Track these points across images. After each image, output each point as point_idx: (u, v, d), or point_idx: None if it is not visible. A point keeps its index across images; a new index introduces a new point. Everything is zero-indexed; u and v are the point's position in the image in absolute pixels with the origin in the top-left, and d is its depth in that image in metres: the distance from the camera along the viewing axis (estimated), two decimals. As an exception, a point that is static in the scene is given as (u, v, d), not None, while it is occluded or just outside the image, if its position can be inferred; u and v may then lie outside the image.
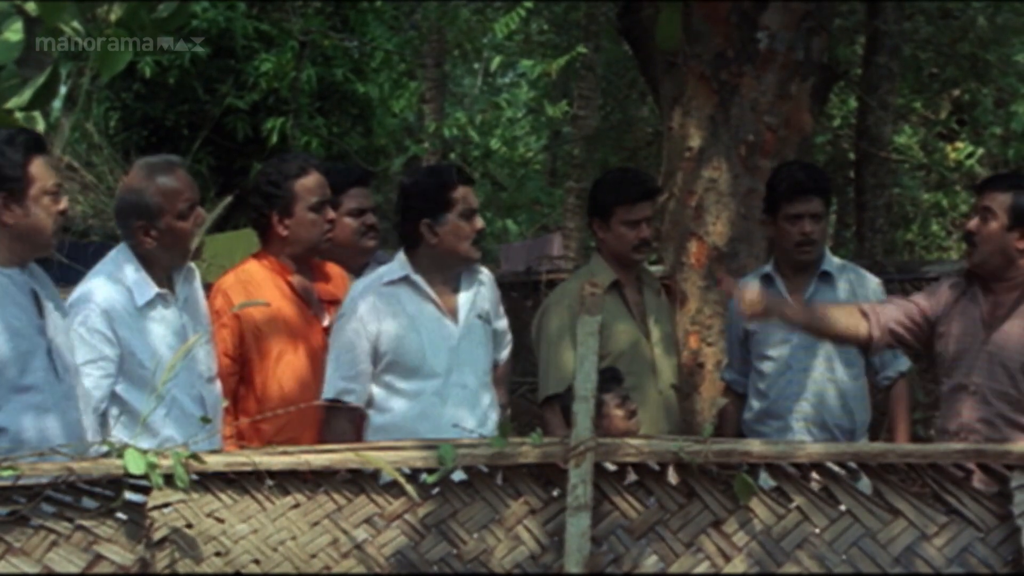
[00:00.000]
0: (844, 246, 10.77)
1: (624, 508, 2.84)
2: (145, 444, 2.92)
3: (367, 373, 3.86)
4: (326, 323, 4.07)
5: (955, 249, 12.14)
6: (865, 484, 2.84)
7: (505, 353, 4.22)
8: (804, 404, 4.34)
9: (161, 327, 3.65)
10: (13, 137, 3.31)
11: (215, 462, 2.82)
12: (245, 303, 3.85)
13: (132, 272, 3.64)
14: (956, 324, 3.89)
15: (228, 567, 2.82)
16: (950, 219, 12.65)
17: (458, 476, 2.87)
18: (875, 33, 9.06)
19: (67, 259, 7.38)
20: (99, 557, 2.80)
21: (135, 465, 2.75)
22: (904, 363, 4.48)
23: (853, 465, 2.83)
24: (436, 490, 2.87)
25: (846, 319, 3.92)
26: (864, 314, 3.93)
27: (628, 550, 2.83)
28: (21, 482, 2.76)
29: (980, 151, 11.08)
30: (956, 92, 11.84)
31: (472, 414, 3.85)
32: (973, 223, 3.85)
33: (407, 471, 2.83)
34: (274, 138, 11.92)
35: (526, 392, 5.37)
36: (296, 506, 2.85)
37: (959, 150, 11.08)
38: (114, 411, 3.56)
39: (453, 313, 3.93)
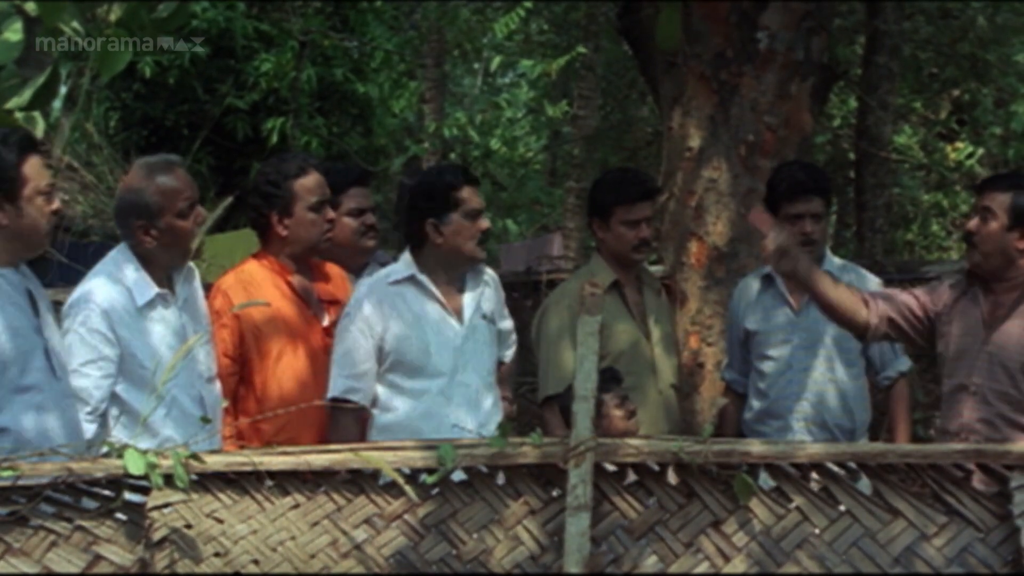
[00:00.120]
0: (844, 246, 10.76)
1: (624, 508, 2.84)
2: (145, 444, 2.92)
3: (372, 372, 3.87)
4: (326, 323, 4.07)
5: (955, 249, 12.14)
6: (865, 484, 2.83)
7: (510, 352, 4.23)
8: (804, 404, 4.35)
9: (161, 327, 3.65)
10: (6, 137, 3.30)
11: (215, 462, 2.82)
12: (245, 303, 3.86)
13: (132, 272, 3.64)
14: (956, 324, 3.89)
15: (228, 567, 2.82)
16: (950, 219, 12.64)
17: (458, 476, 2.87)
18: (875, 33, 9.05)
19: (67, 259, 7.40)
20: (99, 557, 2.80)
21: (135, 465, 2.75)
22: (904, 363, 4.48)
23: (853, 465, 2.83)
24: (436, 490, 2.87)
25: (849, 299, 3.90)
26: (865, 301, 3.93)
27: (628, 550, 2.83)
28: (21, 482, 2.76)
29: (980, 151, 11.08)
30: (956, 92, 11.84)
31: (476, 414, 3.85)
32: (973, 223, 3.85)
33: (407, 471, 2.83)
34: (274, 138, 11.91)
35: (526, 392, 5.37)
36: (296, 506, 2.85)
37: (959, 150, 11.07)
38: (114, 411, 3.57)
39: (458, 313, 3.94)
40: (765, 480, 2.85)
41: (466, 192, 3.94)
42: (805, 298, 4.38)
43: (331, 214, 4.08)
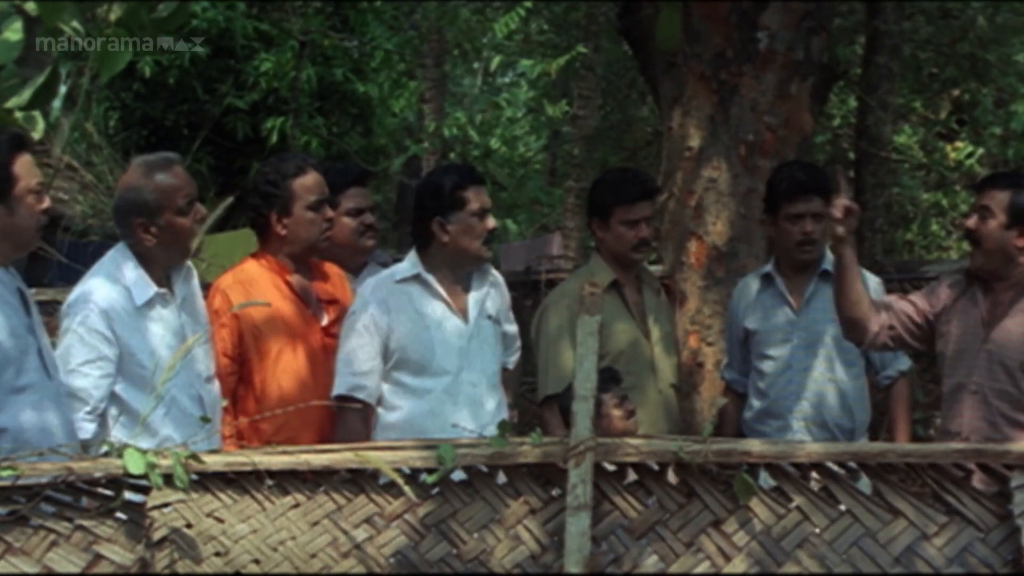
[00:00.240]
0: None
1: (624, 508, 2.84)
2: (144, 444, 2.92)
3: (378, 370, 3.87)
4: (325, 323, 4.07)
5: (955, 249, 12.14)
6: (865, 484, 2.83)
7: (514, 359, 4.24)
8: (804, 404, 4.34)
9: (160, 327, 3.64)
10: None
11: (215, 462, 2.82)
12: (245, 303, 3.85)
13: (131, 271, 3.63)
14: (956, 324, 3.89)
15: (228, 567, 2.82)
16: (950, 219, 12.64)
17: (458, 476, 2.87)
18: (875, 33, 9.05)
19: (67, 259, 7.40)
20: (99, 557, 2.80)
21: (135, 465, 2.75)
22: (904, 362, 4.48)
23: (853, 465, 2.82)
24: (436, 490, 2.86)
25: (867, 303, 3.90)
26: (872, 307, 3.93)
27: (628, 550, 2.82)
28: (21, 482, 2.76)
29: (980, 151, 11.09)
30: (956, 92, 11.84)
31: (481, 413, 3.86)
32: (972, 221, 3.85)
33: (407, 471, 2.83)
34: (274, 138, 11.92)
35: (526, 392, 5.38)
36: (296, 506, 2.85)
37: (959, 150, 11.08)
38: (113, 411, 3.56)
39: (463, 312, 3.95)
40: (765, 480, 2.85)
41: (472, 191, 3.95)
42: (805, 298, 4.39)
43: (330, 213, 4.08)
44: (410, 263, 3.99)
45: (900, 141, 11.91)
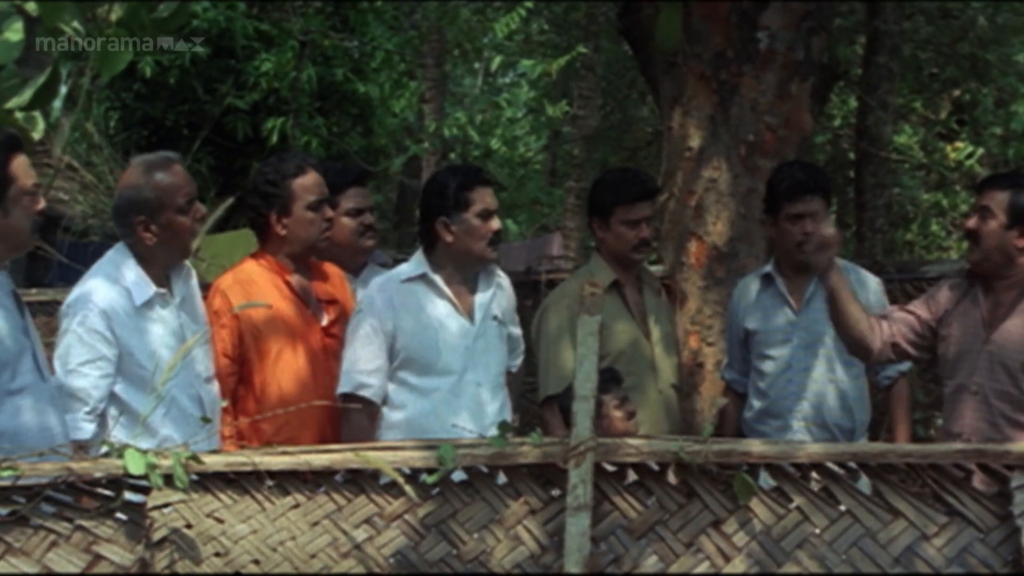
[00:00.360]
0: (844, 246, 10.75)
1: (624, 508, 2.84)
2: (143, 444, 2.92)
3: (383, 369, 3.88)
4: (324, 323, 4.07)
5: (955, 249, 12.14)
6: (865, 484, 2.83)
7: (518, 363, 4.24)
8: (804, 404, 4.34)
9: (159, 327, 3.64)
10: None
11: (215, 462, 2.82)
12: (246, 304, 3.85)
13: (130, 271, 3.63)
14: (957, 325, 3.89)
15: (228, 567, 2.82)
16: (950, 219, 12.64)
17: (458, 476, 2.87)
18: (875, 33, 9.05)
19: (67, 259, 7.40)
20: (99, 557, 2.79)
21: (135, 465, 2.74)
22: (904, 363, 4.48)
23: (853, 465, 2.82)
24: (436, 490, 2.86)
25: (864, 320, 3.90)
26: (871, 327, 3.93)
27: (628, 550, 2.82)
28: (21, 482, 2.76)
29: (980, 151, 11.07)
30: (956, 92, 11.84)
31: (485, 414, 3.86)
32: (972, 221, 3.85)
33: (407, 471, 2.82)
34: (274, 138, 11.92)
35: (526, 392, 5.37)
36: (296, 506, 2.85)
37: (959, 150, 11.07)
38: (113, 411, 3.56)
39: (469, 313, 3.96)
40: (765, 480, 2.85)
41: (478, 193, 3.95)
42: (805, 298, 4.39)
43: (329, 213, 4.08)
44: (416, 263, 3.99)
45: (900, 141, 11.91)
